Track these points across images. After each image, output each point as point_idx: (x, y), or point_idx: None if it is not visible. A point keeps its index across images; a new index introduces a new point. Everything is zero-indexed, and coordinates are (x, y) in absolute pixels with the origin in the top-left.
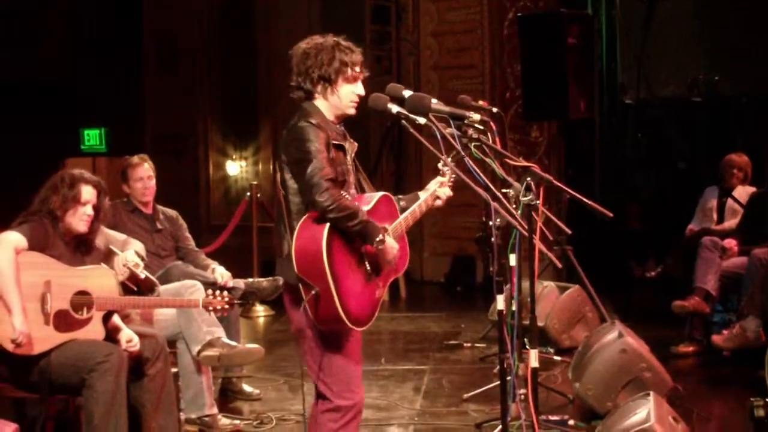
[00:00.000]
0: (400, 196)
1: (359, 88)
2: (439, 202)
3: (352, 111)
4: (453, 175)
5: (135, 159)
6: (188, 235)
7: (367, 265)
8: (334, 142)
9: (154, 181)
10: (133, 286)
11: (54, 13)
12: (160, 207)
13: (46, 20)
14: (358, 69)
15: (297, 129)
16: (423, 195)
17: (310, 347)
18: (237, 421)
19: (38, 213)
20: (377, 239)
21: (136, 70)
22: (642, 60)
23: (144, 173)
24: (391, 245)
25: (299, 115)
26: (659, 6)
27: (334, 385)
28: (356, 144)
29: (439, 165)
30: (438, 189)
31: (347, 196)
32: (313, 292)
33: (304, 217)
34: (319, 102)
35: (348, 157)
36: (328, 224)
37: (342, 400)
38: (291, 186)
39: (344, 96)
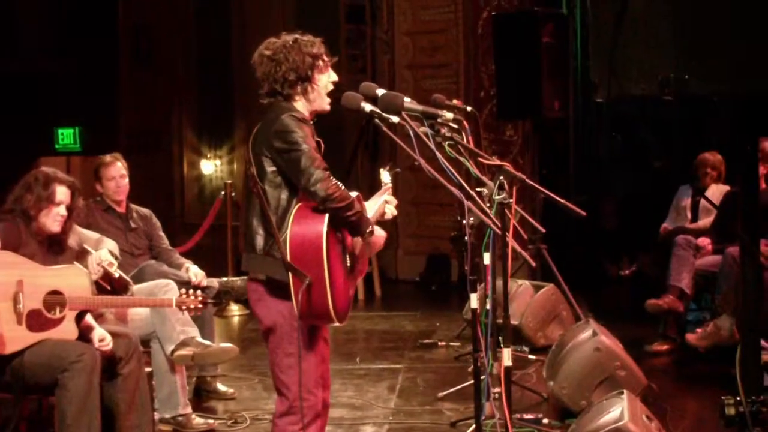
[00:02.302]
0: None
1: (333, 75)
2: (387, 216)
3: (327, 106)
4: (390, 184)
5: (108, 158)
6: (162, 234)
7: (348, 262)
8: (316, 138)
9: (127, 180)
10: (107, 285)
11: (27, 8)
12: (133, 206)
13: (20, 16)
14: (326, 57)
15: (281, 121)
16: (374, 205)
17: (276, 345)
18: (211, 420)
19: (11, 212)
20: (368, 230)
21: (111, 68)
22: (613, 58)
23: (117, 172)
24: (380, 234)
25: (279, 110)
26: (631, 4)
27: (294, 385)
28: (323, 143)
29: (381, 176)
30: (388, 197)
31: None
32: (306, 281)
33: (298, 205)
34: (298, 103)
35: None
36: (327, 214)
37: (298, 401)
38: (272, 179)
39: (322, 88)
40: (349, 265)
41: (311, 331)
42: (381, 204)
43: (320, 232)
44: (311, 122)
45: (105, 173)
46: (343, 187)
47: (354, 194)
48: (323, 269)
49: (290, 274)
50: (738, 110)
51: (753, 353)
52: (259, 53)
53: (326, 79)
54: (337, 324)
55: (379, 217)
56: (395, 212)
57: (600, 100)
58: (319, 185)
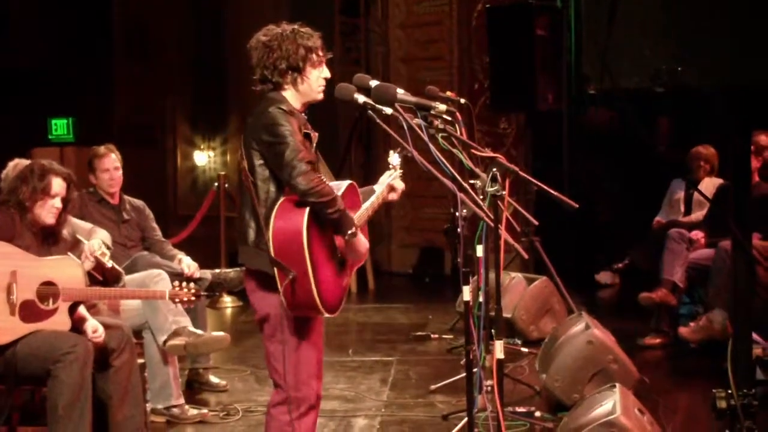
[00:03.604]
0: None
1: (325, 72)
2: (393, 195)
3: (320, 96)
4: (401, 170)
5: (101, 149)
6: (155, 225)
7: (339, 253)
8: (304, 130)
9: (120, 172)
10: (99, 275)
11: (22, 1)
12: (126, 197)
13: (14, 7)
14: (321, 53)
15: (268, 114)
16: (378, 188)
17: (270, 335)
18: (204, 410)
19: (6, 203)
20: (350, 231)
21: (105, 59)
22: (606, 51)
23: (110, 164)
24: (362, 241)
25: (267, 102)
26: None
27: (289, 375)
28: (317, 134)
29: (389, 159)
30: (393, 181)
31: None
32: (290, 276)
33: (281, 200)
34: (287, 92)
35: (313, 146)
36: (308, 208)
37: (294, 391)
38: (260, 172)
39: (313, 81)
40: (340, 256)
41: (307, 323)
42: (377, 197)
43: (300, 227)
44: (303, 113)
45: (99, 165)
46: (326, 182)
47: (347, 183)
48: (306, 263)
49: (275, 269)
50: (730, 103)
51: (745, 347)
52: (255, 38)
53: (318, 74)
54: (328, 315)
55: (377, 207)
56: (402, 186)
57: (593, 92)
58: (300, 178)
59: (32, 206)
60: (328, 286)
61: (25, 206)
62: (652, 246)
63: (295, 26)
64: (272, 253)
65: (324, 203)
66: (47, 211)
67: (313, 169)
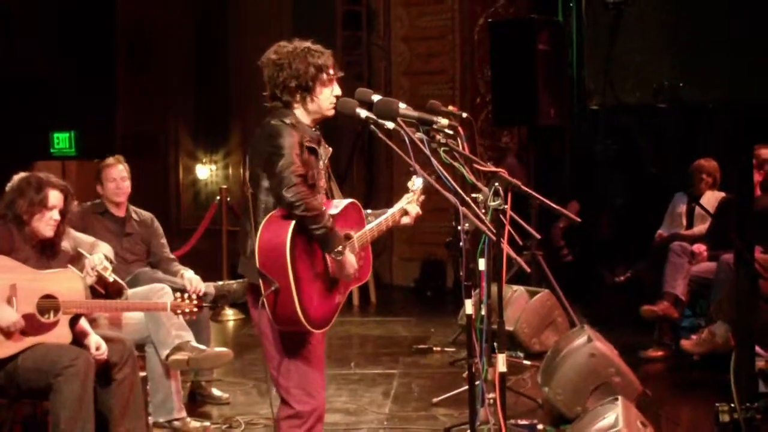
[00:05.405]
0: (369, 211)
1: (336, 90)
2: (407, 219)
3: (331, 113)
4: (422, 195)
5: (110, 159)
6: (164, 242)
7: (330, 269)
8: (308, 144)
9: (128, 183)
10: (101, 289)
11: (23, 12)
12: (134, 210)
13: (16, 21)
14: (332, 71)
15: (270, 126)
16: (391, 210)
17: (269, 349)
18: (207, 423)
19: (4, 216)
20: (336, 250)
21: (107, 72)
22: (609, 66)
23: (118, 174)
24: (350, 261)
25: (273, 114)
26: (625, 12)
27: (293, 389)
28: (330, 149)
29: (408, 184)
30: (407, 205)
31: (318, 197)
32: (272, 287)
33: (272, 212)
34: (297, 110)
35: (321, 162)
36: (295, 221)
37: (300, 404)
38: (262, 184)
39: (323, 100)
40: (331, 272)
41: (305, 336)
42: (386, 219)
43: (284, 239)
44: (314, 128)
45: (106, 174)
46: (315, 197)
47: (347, 201)
48: (288, 276)
49: (260, 280)
50: (733, 117)
51: (747, 360)
52: (266, 55)
53: (329, 93)
54: (314, 332)
55: (384, 229)
56: (418, 212)
57: (595, 107)
58: (286, 191)
59: (30, 219)
60: (313, 301)
61: (22, 219)
62: (655, 259)
63: (308, 44)
64: (257, 264)
65: (309, 218)
66: (45, 224)
67: (303, 182)
